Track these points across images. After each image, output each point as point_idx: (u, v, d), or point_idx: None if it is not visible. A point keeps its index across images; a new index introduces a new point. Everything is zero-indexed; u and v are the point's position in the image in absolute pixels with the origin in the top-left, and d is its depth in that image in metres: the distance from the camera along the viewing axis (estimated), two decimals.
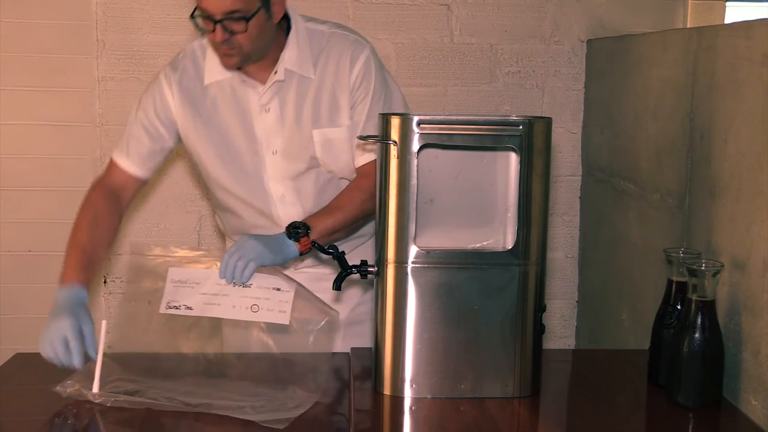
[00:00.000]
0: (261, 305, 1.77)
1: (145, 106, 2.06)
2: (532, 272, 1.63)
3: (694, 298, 1.61)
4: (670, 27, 2.94)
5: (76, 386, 1.69)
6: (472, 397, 1.62)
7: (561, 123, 2.98)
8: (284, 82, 1.97)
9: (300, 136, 1.99)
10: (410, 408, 1.61)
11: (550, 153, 1.62)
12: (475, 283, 1.62)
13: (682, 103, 2.03)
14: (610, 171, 2.66)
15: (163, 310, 1.80)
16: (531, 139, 1.60)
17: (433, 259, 1.61)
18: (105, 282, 3.00)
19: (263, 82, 1.97)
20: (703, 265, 1.61)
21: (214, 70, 2.00)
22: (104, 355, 1.74)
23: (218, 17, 1.82)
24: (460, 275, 1.61)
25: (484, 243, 1.67)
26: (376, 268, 1.65)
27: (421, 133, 1.58)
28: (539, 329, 1.65)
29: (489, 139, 1.62)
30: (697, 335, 1.59)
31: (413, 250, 1.60)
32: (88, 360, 1.74)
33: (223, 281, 1.78)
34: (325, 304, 1.81)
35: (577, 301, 3.06)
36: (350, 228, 1.99)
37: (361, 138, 1.71)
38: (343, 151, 1.99)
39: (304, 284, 2.07)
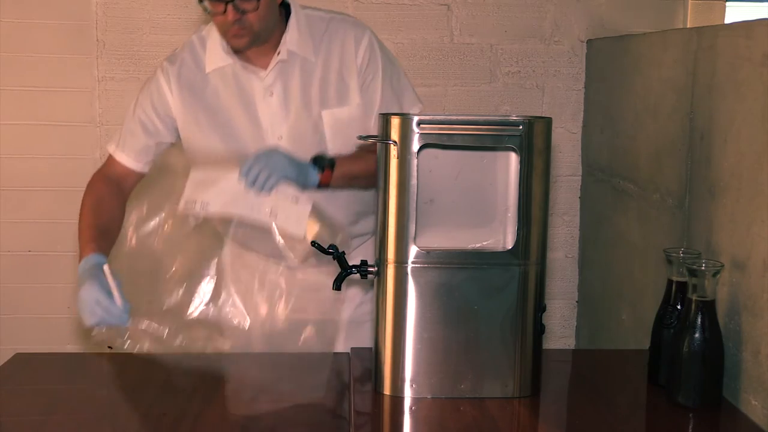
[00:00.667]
0: (279, 212, 1.79)
1: (143, 102, 2.06)
2: (532, 272, 1.63)
3: (694, 298, 1.61)
4: (670, 27, 2.94)
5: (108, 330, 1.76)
6: (472, 397, 1.62)
7: (561, 123, 2.98)
8: (287, 65, 1.97)
9: (307, 120, 1.98)
10: (410, 408, 1.61)
11: (550, 153, 1.62)
12: (475, 283, 1.62)
13: (682, 103, 2.03)
14: (610, 171, 2.66)
15: (180, 208, 1.81)
16: (531, 139, 1.60)
17: (433, 259, 1.61)
18: None
19: (265, 67, 1.97)
20: (703, 265, 1.61)
21: (215, 57, 2.00)
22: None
23: None
24: (460, 275, 1.61)
25: (484, 243, 1.67)
26: (376, 268, 1.65)
27: (421, 133, 1.58)
28: (539, 329, 1.65)
29: (489, 139, 1.61)
30: (697, 335, 1.59)
31: (413, 250, 1.60)
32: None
33: (241, 180, 1.79)
34: (336, 225, 1.83)
35: (577, 301, 3.07)
36: (371, 181, 1.91)
37: (361, 138, 1.70)
38: (354, 131, 1.96)
39: (304, 284, 2.08)
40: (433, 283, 1.61)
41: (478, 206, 1.68)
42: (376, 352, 1.66)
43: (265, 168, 1.79)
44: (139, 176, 2.09)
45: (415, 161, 1.59)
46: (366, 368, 1.73)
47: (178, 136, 2.06)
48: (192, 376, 1.86)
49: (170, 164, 1.94)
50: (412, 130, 1.58)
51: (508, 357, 1.63)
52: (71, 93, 2.93)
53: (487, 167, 1.67)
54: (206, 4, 1.88)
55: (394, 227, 1.61)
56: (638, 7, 2.99)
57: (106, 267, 1.77)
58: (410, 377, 1.63)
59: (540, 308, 1.65)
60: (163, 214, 1.87)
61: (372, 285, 1.80)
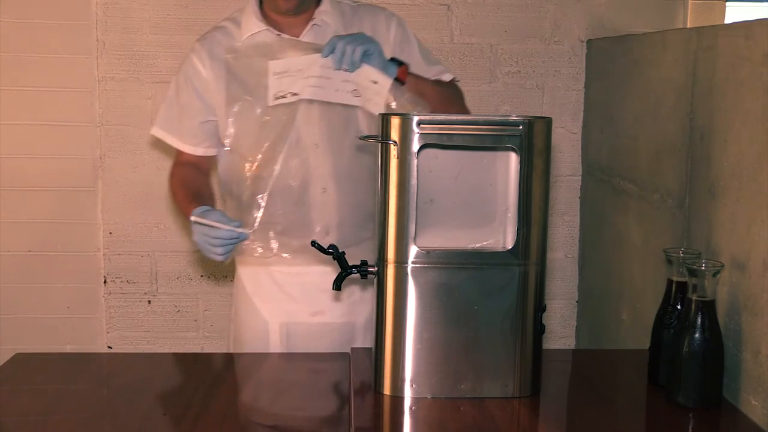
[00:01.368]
0: (362, 93, 1.83)
1: (181, 84, 2.09)
2: (532, 272, 1.63)
3: (694, 298, 1.61)
4: (670, 27, 2.94)
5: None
6: (472, 397, 1.62)
7: (561, 123, 2.98)
8: (320, 34, 2.01)
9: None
10: (410, 408, 1.61)
11: (550, 153, 1.62)
12: (475, 283, 1.62)
13: (682, 103, 2.03)
14: (610, 171, 2.66)
15: (271, 102, 1.87)
16: (531, 139, 1.60)
17: (433, 259, 1.61)
18: (105, 282, 3.00)
19: (297, 36, 2.01)
20: (703, 265, 1.61)
21: (250, 24, 2.04)
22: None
23: None
24: (460, 275, 1.61)
25: (484, 243, 1.67)
26: (376, 268, 1.65)
27: (421, 133, 1.58)
28: (539, 329, 1.65)
29: (489, 139, 1.61)
30: (697, 335, 1.59)
31: (413, 250, 1.60)
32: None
33: (325, 64, 1.83)
34: (418, 103, 1.87)
35: (577, 301, 3.07)
36: (434, 106, 1.96)
37: (362, 138, 1.70)
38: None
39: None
40: (433, 283, 1.61)
41: (478, 206, 1.68)
42: (376, 352, 1.66)
43: (350, 42, 1.82)
44: (209, 159, 2.14)
45: (415, 161, 1.59)
46: (366, 368, 1.73)
47: None
48: (192, 376, 1.86)
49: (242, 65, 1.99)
50: (412, 130, 1.58)
51: (508, 357, 1.63)
52: (71, 93, 2.93)
53: (487, 167, 1.67)
54: None
55: (394, 227, 1.61)
56: (638, 7, 2.99)
57: (192, 217, 1.87)
58: (410, 377, 1.63)
59: (540, 308, 1.65)
60: None
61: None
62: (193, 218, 1.87)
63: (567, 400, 1.75)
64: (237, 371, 1.90)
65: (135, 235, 2.99)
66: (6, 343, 2.91)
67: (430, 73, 2.08)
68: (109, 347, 3.03)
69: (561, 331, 3.08)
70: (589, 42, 2.97)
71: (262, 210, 1.90)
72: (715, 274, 1.60)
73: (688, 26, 2.96)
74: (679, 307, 1.70)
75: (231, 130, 1.97)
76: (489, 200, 1.67)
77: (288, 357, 2.05)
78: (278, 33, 2.01)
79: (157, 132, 2.14)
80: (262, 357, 2.07)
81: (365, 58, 1.84)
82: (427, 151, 1.62)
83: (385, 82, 1.84)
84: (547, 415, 1.62)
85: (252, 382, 1.86)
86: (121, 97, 2.92)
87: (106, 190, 2.97)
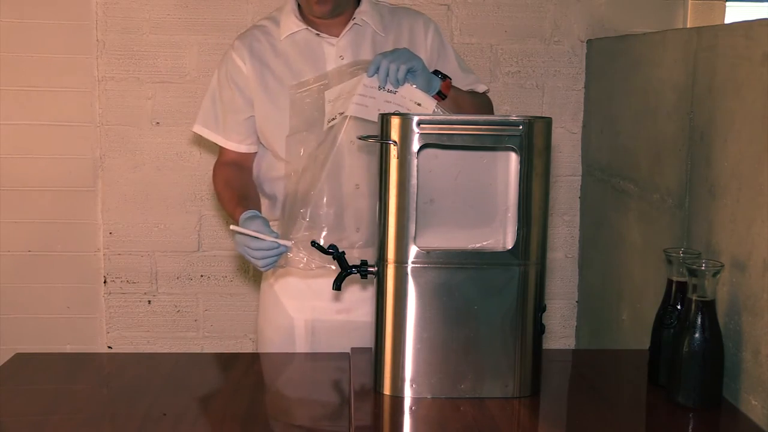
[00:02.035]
0: (404, 112, 1.83)
1: (222, 81, 2.11)
2: (532, 272, 1.63)
3: (694, 298, 1.61)
4: (670, 27, 2.94)
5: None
6: (472, 397, 1.62)
7: (561, 123, 2.98)
8: (360, 32, 2.04)
9: None
10: (410, 408, 1.61)
11: (550, 153, 1.62)
12: (475, 283, 1.62)
13: (682, 103, 2.03)
14: (610, 171, 2.66)
15: (325, 127, 1.89)
16: (531, 139, 1.60)
17: (433, 259, 1.61)
18: (105, 282, 3.00)
19: (336, 36, 2.04)
20: (703, 265, 1.61)
21: (289, 23, 2.06)
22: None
23: None
24: (460, 275, 1.61)
25: (484, 243, 1.67)
26: (376, 268, 1.65)
27: (421, 133, 1.58)
28: (539, 329, 1.65)
29: (489, 139, 1.62)
30: (697, 335, 1.59)
31: (413, 250, 1.60)
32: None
33: (370, 83, 1.84)
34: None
35: (577, 301, 3.06)
36: (464, 110, 2.00)
37: (362, 138, 1.71)
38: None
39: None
40: (433, 283, 1.61)
41: (478, 206, 1.67)
42: (376, 352, 1.66)
43: (394, 60, 1.83)
44: (251, 156, 2.15)
45: (415, 161, 1.59)
46: (366, 368, 1.73)
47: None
48: (192, 376, 1.86)
49: (305, 101, 2.00)
50: (412, 130, 1.58)
51: (508, 357, 1.63)
52: (71, 93, 2.93)
53: (487, 167, 1.67)
54: None
55: (394, 227, 1.61)
56: (638, 7, 2.99)
57: (232, 227, 1.88)
58: (410, 377, 1.63)
59: (540, 308, 1.65)
60: None
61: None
62: (232, 227, 1.88)
63: (567, 400, 1.75)
64: (237, 371, 1.90)
65: (135, 235, 2.99)
66: (6, 343, 2.91)
67: (465, 82, 2.10)
68: (109, 347, 3.03)
69: (561, 331, 3.08)
70: (589, 42, 2.96)
71: (305, 223, 1.90)
72: (715, 274, 1.60)
73: (688, 26, 2.96)
74: (679, 307, 1.70)
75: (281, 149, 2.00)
76: (489, 200, 1.67)
77: (288, 357, 2.05)
78: (317, 33, 2.04)
79: (200, 130, 2.16)
80: (262, 357, 2.07)
81: (409, 75, 1.85)
82: (427, 151, 1.62)
83: (429, 104, 1.84)
84: (547, 415, 1.62)
85: (252, 382, 1.86)
86: (121, 97, 2.92)
87: (106, 190, 2.96)
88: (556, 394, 1.74)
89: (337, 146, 1.92)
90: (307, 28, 2.04)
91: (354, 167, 1.97)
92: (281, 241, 1.84)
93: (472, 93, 2.11)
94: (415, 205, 1.59)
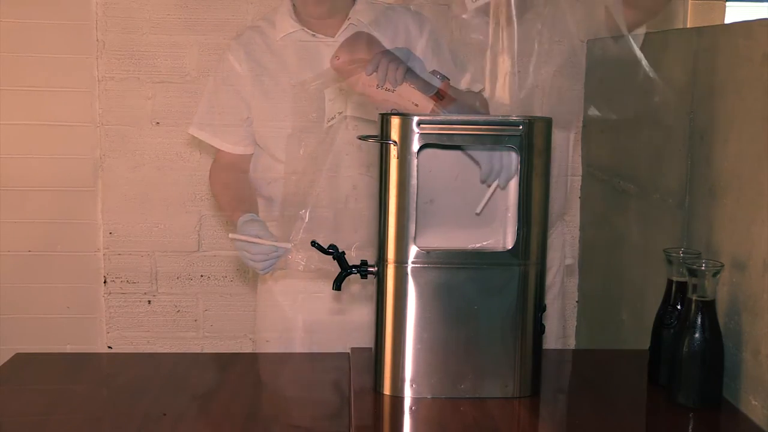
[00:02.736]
0: (401, 111, 1.83)
1: (218, 83, 2.11)
2: (532, 272, 1.63)
3: (694, 298, 1.61)
4: (670, 27, 2.94)
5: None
6: (472, 397, 1.62)
7: (561, 123, 2.97)
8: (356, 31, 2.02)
9: None
10: (410, 408, 1.61)
11: (550, 153, 1.62)
12: (475, 283, 1.62)
13: (682, 103, 2.03)
14: (610, 171, 2.66)
15: (325, 126, 1.90)
16: (531, 139, 1.60)
17: (433, 259, 1.61)
18: (105, 282, 3.00)
19: (332, 36, 2.04)
20: (703, 265, 1.61)
21: (285, 24, 2.07)
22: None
23: None
24: (460, 275, 1.61)
25: (484, 243, 1.67)
26: (376, 268, 1.65)
27: (421, 133, 1.58)
28: (539, 329, 1.65)
29: (489, 139, 1.62)
30: (697, 335, 1.59)
31: (413, 250, 1.60)
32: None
33: (368, 82, 1.82)
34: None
35: (577, 301, 3.06)
36: (462, 110, 1.98)
37: (361, 138, 1.71)
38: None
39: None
40: (433, 283, 1.61)
41: (478, 206, 1.67)
42: (376, 352, 1.66)
43: (393, 60, 1.82)
44: (248, 157, 2.15)
45: (415, 161, 1.59)
46: (366, 368, 1.73)
47: None
48: (192, 376, 1.86)
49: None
50: (412, 130, 1.58)
51: (508, 357, 1.63)
52: (71, 93, 2.93)
53: None
54: None
55: (394, 227, 1.61)
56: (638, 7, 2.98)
57: (230, 234, 1.90)
58: (410, 377, 1.63)
59: (540, 308, 1.65)
60: None
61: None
62: (231, 236, 1.89)
63: (567, 400, 1.75)
64: (236, 371, 1.90)
65: (135, 235, 2.99)
66: (6, 343, 2.91)
67: (461, 81, 2.10)
68: (109, 347, 3.03)
69: (561, 331, 3.07)
70: (589, 42, 2.96)
71: (304, 224, 1.90)
72: (715, 274, 1.60)
73: (688, 26, 2.96)
74: (679, 307, 1.70)
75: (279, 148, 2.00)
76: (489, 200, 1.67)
77: (287, 357, 2.05)
78: (313, 33, 2.04)
79: (197, 132, 2.16)
80: (262, 357, 2.07)
81: (408, 74, 1.85)
82: (427, 151, 1.62)
83: (426, 105, 1.83)
84: (547, 415, 1.62)
85: (252, 382, 1.86)
86: (121, 97, 2.92)
87: (106, 190, 2.96)
88: (556, 394, 1.74)
89: (336, 146, 1.92)
90: (302, 29, 2.04)
91: (353, 167, 1.97)
92: (280, 244, 1.84)
93: (469, 93, 2.11)
94: (415, 205, 1.59)
